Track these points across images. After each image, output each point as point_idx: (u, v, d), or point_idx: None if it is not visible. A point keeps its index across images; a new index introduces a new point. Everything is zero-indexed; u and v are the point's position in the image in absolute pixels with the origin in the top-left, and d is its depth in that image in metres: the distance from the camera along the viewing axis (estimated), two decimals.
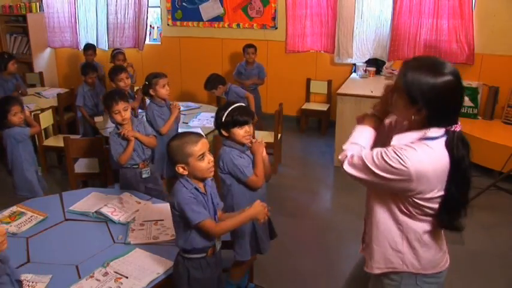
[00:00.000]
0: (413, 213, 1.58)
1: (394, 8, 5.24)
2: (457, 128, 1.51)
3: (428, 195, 1.51)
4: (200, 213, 1.84)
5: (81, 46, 6.57)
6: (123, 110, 2.84)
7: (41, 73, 6.28)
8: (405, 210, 1.59)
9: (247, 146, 2.37)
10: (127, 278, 1.95)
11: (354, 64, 5.63)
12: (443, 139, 1.51)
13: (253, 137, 2.42)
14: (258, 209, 1.92)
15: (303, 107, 5.86)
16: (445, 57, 5.11)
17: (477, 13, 4.97)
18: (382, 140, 1.71)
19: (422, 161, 1.47)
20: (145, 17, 6.42)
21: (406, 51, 5.33)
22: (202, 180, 1.92)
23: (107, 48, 6.57)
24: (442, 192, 1.52)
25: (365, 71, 5.42)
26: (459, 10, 4.96)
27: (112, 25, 6.60)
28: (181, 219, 1.88)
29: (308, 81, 5.92)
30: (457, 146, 1.49)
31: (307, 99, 5.98)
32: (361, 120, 1.76)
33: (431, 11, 5.10)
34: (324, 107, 5.78)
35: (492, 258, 3.14)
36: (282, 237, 3.38)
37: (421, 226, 1.60)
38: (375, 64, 5.50)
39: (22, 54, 6.77)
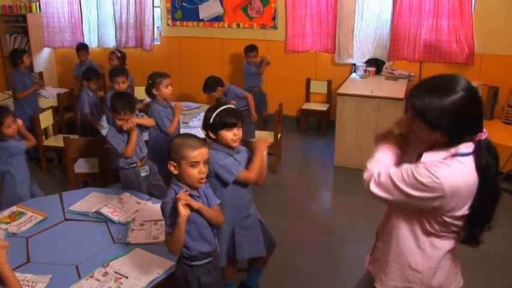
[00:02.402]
0: (440, 232, 1.54)
1: (394, 8, 5.25)
2: (483, 136, 1.47)
3: (459, 213, 1.48)
4: (170, 225, 1.83)
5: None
6: (126, 120, 2.88)
7: (40, 73, 6.28)
8: (430, 230, 1.54)
9: (236, 150, 2.31)
10: (127, 278, 1.96)
11: (354, 64, 5.63)
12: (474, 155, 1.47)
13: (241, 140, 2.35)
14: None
15: (303, 107, 5.86)
16: (445, 57, 5.13)
17: (477, 13, 4.97)
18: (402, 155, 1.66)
19: (456, 177, 1.42)
20: (150, 17, 6.40)
21: (406, 51, 5.33)
22: (191, 186, 1.89)
23: (112, 47, 6.57)
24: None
25: (365, 71, 5.42)
26: (459, 10, 4.96)
27: (118, 24, 6.59)
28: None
29: (308, 81, 5.92)
30: (482, 155, 1.46)
31: (307, 99, 5.98)
32: (380, 137, 1.69)
33: (431, 11, 5.10)
34: (324, 107, 5.78)
35: (492, 258, 3.14)
36: (282, 238, 3.38)
37: (444, 244, 1.57)
38: (375, 64, 5.50)
39: None
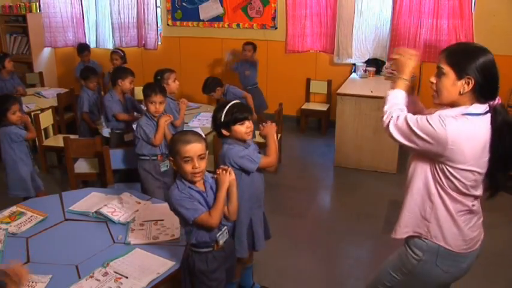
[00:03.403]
0: (446, 185, 1.67)
1: (394, 8, 5.25)
2: (499, 101, 1.67)
3: (460, 166, 1.62)
4: (194, 209, 1.87)
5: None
6: (158, 103, 3.06)
7: (40, 73, 6.29)
8: (439, 180, 1.69)
9: (247, 143, 2.37)
10: (127, 278, 1.96)
11: (354, 64, 5.63)
12: (485, 117, 1.63)
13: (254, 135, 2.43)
14: (223, 179, 1.93)
15: (303, 107, 5.86)
16: None
17: (477, 13, 4.97)
18: None
19: (460, 130, 1.59)
20: (154, 16, 6.39)
21: None
22: (192, 182, 1.92)
23: (111, 47, 6.57)
24: (474, 168, 1.63)
25: (365, 71, 5.42)
26: (459, 10, 4.97)
27: (117, 24, 6.60)
28: (181, 218, 1.93)
29: (308, 81, 5.92)
30: (502, 129, 1.63)
31: (307, 99, 5.98)
32: (392, 85, 1.85)
33: (431, 11, 5.10)
34: (323, 107, 5.79)
35: (492, 258, 3.13)
36: (282, 237, 3.39)
37: (450, 204, 1.70)
38: (375, 64, 5.50)
39: (22, 54, 6.78)
